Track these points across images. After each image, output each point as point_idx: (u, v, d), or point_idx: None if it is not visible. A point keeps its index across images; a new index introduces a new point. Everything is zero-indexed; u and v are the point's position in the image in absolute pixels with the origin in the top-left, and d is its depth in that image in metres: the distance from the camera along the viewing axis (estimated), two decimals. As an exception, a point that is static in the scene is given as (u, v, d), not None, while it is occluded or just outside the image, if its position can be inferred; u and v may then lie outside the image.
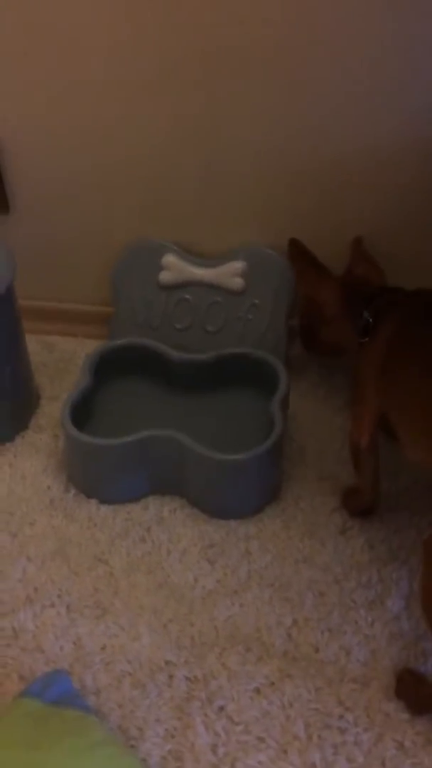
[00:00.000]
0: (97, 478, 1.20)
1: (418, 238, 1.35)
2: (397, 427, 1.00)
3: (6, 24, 1.24)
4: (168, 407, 1.31)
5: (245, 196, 1.37)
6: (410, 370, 0.98)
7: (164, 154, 1.34)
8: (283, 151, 1.31)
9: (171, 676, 0.97)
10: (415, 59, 1.19)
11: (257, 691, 0.96)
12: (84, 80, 1.28)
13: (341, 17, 1.17)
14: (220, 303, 1.41)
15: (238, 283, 1.39)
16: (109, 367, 1.32)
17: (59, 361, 1.48)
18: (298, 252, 1.29)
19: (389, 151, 1.28)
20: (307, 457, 1.28)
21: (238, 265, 1.39)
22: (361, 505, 1.16)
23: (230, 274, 1.39)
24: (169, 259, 1.40)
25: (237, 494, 1.17)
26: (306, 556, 1.12)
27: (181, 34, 1.22)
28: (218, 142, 1.32)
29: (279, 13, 1.18)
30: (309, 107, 1.26)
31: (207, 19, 1.20)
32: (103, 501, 1.19)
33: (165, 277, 1.41)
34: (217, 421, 1.28)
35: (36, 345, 1.48)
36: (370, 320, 1.09)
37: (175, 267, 1.40)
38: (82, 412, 1.22)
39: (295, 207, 1.37)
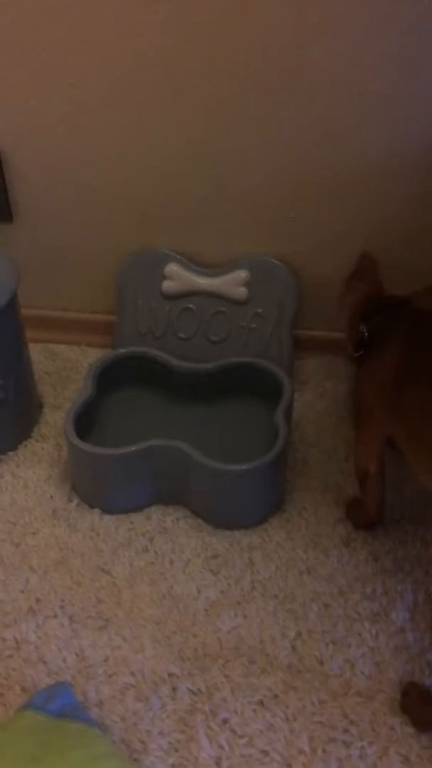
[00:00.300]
0: (100, 488, 1.19)
1: (420, 248, 1.35)
2: (406, 451, 0.98)
3: (14, 39, 1.24)
4: (171, 417, 1.31)
5: (248, 206, 1.37)
6: (420, 393, 0.94)
7: (167, 165, 1.35)
8: (285, 163, 1.32)
9: (174, 689, 0.96)
10: (415, 71, 1.19)
11: (261, 703, 0.95)
12: (89, 93, 1.28)
13: (341, 32, 1.17)
14: (224, 312, 1.41)
15: (241, 292, 1.39)
16: (112, 376, 1.32)
17: (62, 369, 1.47)
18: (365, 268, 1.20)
19: (391, 162, 1.29)
20: (311, 467, 1.28)
21: (241, 275, 1.39)
22: (365, 518, 1.15)
23: (234, 283, 1.39)
24: (173, 268, 1.40)
25: (240, 504, 1.16)
26: (310, 567, 1.11)
27: (186, 49, 1.22)
28: (221, 153, 1.32)
29: (280, 30, 1.18)
30: (311, 120, 1.27)
31: (211, 35, 1.21)
32: (106, 511, 1.19)
33: (168, 286, 1.41)
34: (220, 430, 1.28)
35: (39, 353, 1.48)
36: (366, 334, 1.07)
37: (178, 276, 1.40)
38: (85, 421, 1.22)
39: (299, 217, 1.37)
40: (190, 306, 1.41)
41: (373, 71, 1.21)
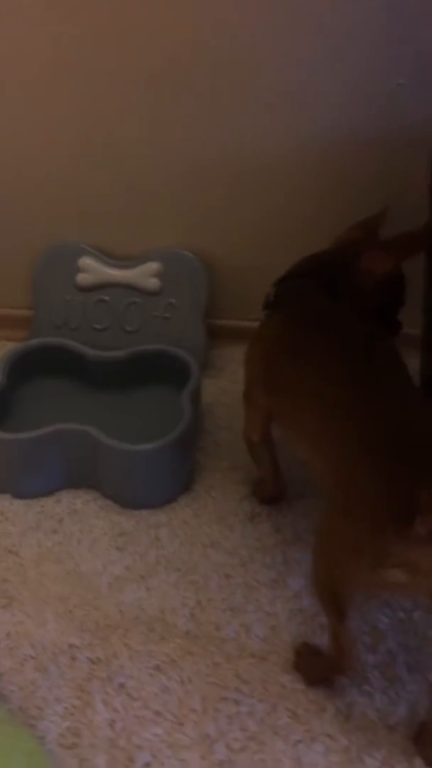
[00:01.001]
0: (9, 473, 1.21)
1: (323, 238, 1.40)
2: (282, 428, 1.02)
3: None
4: (85, 404, 1.34)
5: (158, 201, 1.42)
6: (291, 370, 0.98)
7: (77, 162, 1.39)
8: (191, 159, 1.37)
9: (73, 658, 0.99)
10: (313, 71, 1.25)
11: (157, 668, 0.98)
12: (1, 87, 1.32)
13: (240, 34, 1.23)
14: (138, 303, 1.45)
15: (153, 283, 1.43)
16: (27, 368, 1.34)
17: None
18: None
19: (292, 157, 1.34)
20: (221, 448, 1.31)
21: (153, 266, 1.43)
22: (267, 493, 1.19)
23: (146, 274, 1.43)
24: (86, 261, 1.44)
25: (147, 484, 1.20)
26: (214, 542, 1.15)
27: (93, 50, 1.28)
28: (129, 150, 1.37)
29: (182, 31, 1.24)
30: (214, 118, 1.33)
31: (116, 38, 1.26)
32: (17, 495, 1.21)
33: (83, 279, 1.44)
34: (133, 416, 1.31)
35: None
36: (272, 295, 1.08)
37: (92, 269, 1.44)
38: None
39: (207, 210, 1.42)
40: (105, 297, 1.45)
41: (270, 72, 1.27)
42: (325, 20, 1.21)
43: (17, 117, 1.35)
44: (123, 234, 1.45)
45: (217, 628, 1.02)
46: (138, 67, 1.29)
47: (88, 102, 1.33)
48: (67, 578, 1.09)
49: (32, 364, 1.35)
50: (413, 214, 1.09)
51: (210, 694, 0.95)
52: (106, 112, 1.34)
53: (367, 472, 0.80)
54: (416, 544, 0.73)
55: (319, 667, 0.95)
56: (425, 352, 1.13)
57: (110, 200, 1.42)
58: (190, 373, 1.29)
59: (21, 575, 1.10)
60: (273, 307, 1.08)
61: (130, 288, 1.44)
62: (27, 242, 1.46)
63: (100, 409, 1.32)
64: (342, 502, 0.84)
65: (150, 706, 0.94)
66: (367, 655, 0.98)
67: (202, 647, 1.00)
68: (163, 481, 1.20)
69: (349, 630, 0.88)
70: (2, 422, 1.26)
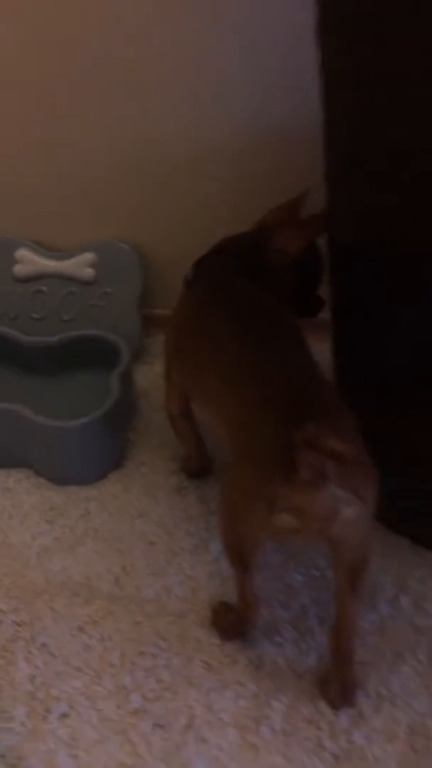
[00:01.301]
0: None
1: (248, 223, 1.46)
2: (195, 400, 1.07)
3: None
4: (21, 389, 1.38)
5: (91, 193, 1.47)
6: (198, 350, 1.02)
7: (13, 154, 1.44)
8: (125, 152, 1.43)
9: (-1, 622, 1.03)
10: (233, 67, 1.32)
11: (80, 629, 1.02)
12: None
13: (170, 35, 1.30)
14: (74, 293, 1.49)
15: (89, 273, 1.48)
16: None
17: None
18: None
19: (217, 148, 1.40)
20: (153, 429, 1.36)
21: (88, 257, 1.48)
22: (193, 467, 1.24)
23: (81, 265, 1.48)
24: (23, 253, 1.48)
25: (77, 461, 1.24)
26: (141, 513, 1.19)
27: (21, 48, 1.33)
28: (65, 145, 1.42)
29: (105, 29, 1.30)
30: (146, 112, 1.38)
31: (44, 33, 1.32)
32: None
33: (19, 270, 1.49)
34: (67, 399, 1.36)
35: None
36: (190, 279, 1.13)
37: (28, 260, 1.49)
38: None
39: (141, 202, 1.47)
40: (42, 288, 1.50)
41: (193, 67, 1.33)
42: (245, 16, 1.28)
43: None
44: (59, 226, 1.50)
45: (139, 591, 1.07)
46: (69, 63, 1.35)
47: (21, 98, 1.39)
48: (-3, 550, 1.13)
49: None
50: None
51: (129, 650, 0.99)
52: (39, 107, 1.39)
53: (259, 428, 0.85)
54: (301, 489, 0.78)
55: (232, 622, 0.99)
56: (334, 332, 1.18)
57: (46, 194, 1.47)
58: (120, 355, 1.33)
59: None
60: (189, 286, 1.13)
61: (66, 278, 1.49)
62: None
63: (36, 393, 1.36)
64: (239, 456, 0.89)
65: (70, 662, 0.98)
66: (280, 611, 1.03)
67: (123, 608, 1.04)
68: (92, 457, 1.25)
69: (253, 582, 0.94)
70: None
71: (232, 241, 1.16)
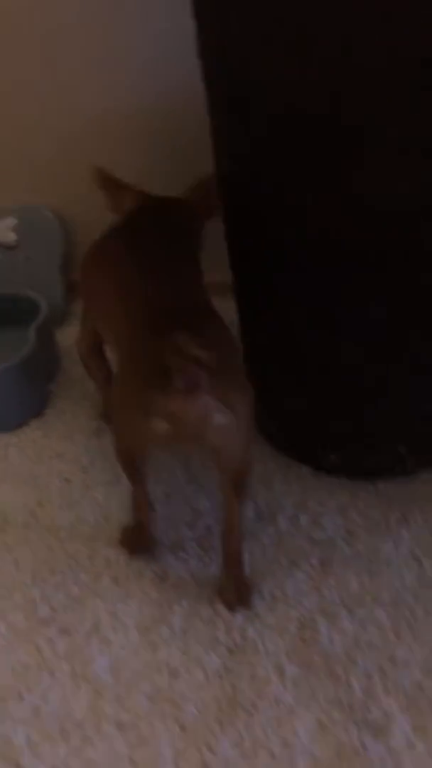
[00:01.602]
0: None
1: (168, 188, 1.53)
2: (102, 335, 1.13)
3: None
4: None
5: (11, 157, 1.52)
6: (100, 285, 1.08)
7: None
8: (43, 121, 1.48)
9: None
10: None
11: (-6, 556, 1.07)
12: None
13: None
14: (-3, 257, 1.55)
15: (11, 237, 1.53)
16: None
17: None
18: (103, 178, 1.25)
19: (129, 115, 1.46)
20: (76, 382, 1.41)
21: (9, 222, 1.53)
22: (108, 409, 1.29)
23: (3, 229, 1.53)
24: None
25: (-4, 408, 1.29)
26: (59, 454, 1.25)
27: None
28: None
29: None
30: (60, 80, 1.44)
31: None
32: None
33: None
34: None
35: None
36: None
37: None
38: None
39: (63, 168, 1.53)
40: (-35, 253, 1.55)
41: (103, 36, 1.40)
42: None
43: None
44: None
45: (53, 521, 1.12)
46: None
47: None
48: None
49: None
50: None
51: (41, 571, 1.04)
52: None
53: (140, 341, 0.92)
54: (175, 396, 0.84)
55: (134, 533, 1.05)
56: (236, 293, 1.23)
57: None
58: (39, 311, 1.39)
59: None
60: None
61: (-12, 243, 1.54)
62: None
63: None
64: (122, 369, 0.96)
65: (-17, 584, 1.03)
66: (186, 531, 1.09)
67: (38, 535, 1.10)
68: (11, 405, 1.30)
69: (144, 490, 1.01)
70: None
71: (149, 198, 1.23)
